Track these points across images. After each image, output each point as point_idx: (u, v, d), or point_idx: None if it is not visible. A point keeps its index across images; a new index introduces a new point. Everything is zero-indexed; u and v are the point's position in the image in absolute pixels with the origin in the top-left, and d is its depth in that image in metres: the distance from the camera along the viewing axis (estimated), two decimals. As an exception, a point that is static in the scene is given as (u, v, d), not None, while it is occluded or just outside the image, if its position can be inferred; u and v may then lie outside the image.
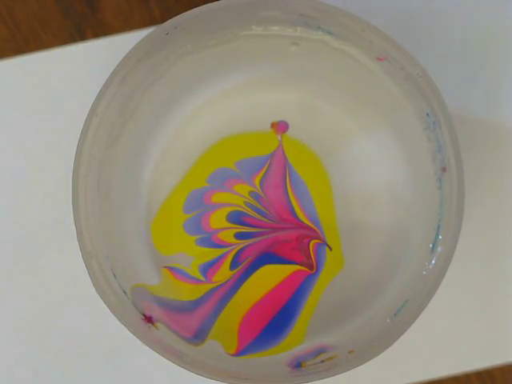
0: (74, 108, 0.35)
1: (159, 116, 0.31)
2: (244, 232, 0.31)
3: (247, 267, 0.31)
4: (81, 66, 0.36)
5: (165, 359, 0.28)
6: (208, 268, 0.31)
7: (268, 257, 0.31)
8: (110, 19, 0.35)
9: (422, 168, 0.30)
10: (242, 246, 0.31)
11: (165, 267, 0.31)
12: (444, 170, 0.29)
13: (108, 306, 0.28)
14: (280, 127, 0.31)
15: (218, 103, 0.31)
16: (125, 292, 0.29)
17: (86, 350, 0.35)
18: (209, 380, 0.28)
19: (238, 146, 0.31)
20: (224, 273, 0.31)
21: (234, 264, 0.31)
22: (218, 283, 0.31)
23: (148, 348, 0.28)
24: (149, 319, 0.29)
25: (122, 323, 0.28)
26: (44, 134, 0.36)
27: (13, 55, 0.35)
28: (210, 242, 0.31)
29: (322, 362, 0.29)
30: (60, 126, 0.35)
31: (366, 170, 0.31)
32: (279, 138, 0.31)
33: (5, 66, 0.35)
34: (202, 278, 0.31)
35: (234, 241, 0.31)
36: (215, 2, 0.28)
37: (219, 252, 0.31)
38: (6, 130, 0.35)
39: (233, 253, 0.31)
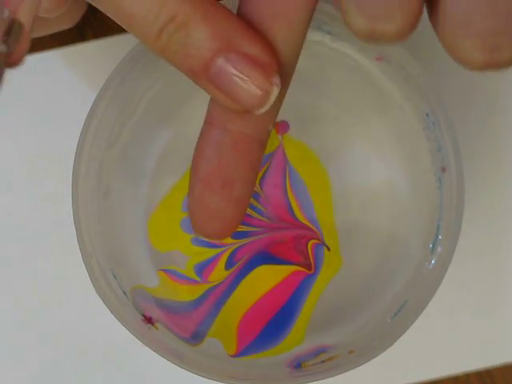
0: (74, 108, 0.35)
1: (159, 116, 0.31)
2: (240, 231, 0.31)
3: (243, 267, 0.31)
4: (81, 66, 0.36)
5: (164, 359, 0.28)
6: (203, 268, 0.31)
7: (265, 257, 0.31)
8: (110, 19, 0.35)
9: (422, 168, 0.30)
10: (237, 245, 0.31)
11: (160, 270, 0.31)
12: (444, 170, 0.29)
13: (108, 307, 0.28)
14: (281, 127, 0.31)
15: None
16: (125, 293, 0.29)
17: (86, 350, 0.35)
18: (209, 380, 0.28)
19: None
20: (219, 272, 0.31)
21: (229, 264, 0.31)
22: (215, 283, 0.31)
23: (148, 348, 0.28)
24: (149, 320, 0.29)
25: (122, 324, 0.28)
26: (44, 134, 0.36)
27: (13, 55, 0.35)
28: (204, 241, 0.31)
29: (322, 362, 0.29)
30: (60, 126, 0.35)
31: (365, 170, 0.31)
32: (280, 137, 0.31)
33: (5, 66, 0.35)
34: (198, 278, 0.31)
35: (230, 240, 0.31)
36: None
37: (214, 252, 0.31)
38: (5, 130, 0.35)
39: (228, 252, 0.31)
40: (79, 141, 0.29)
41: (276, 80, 0.21)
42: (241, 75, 0.20)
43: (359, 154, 0.31)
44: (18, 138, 0.35)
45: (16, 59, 0.19)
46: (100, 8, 0.21)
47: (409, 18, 0.18)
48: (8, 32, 0.18)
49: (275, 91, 0.21)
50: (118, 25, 0.23)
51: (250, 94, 0.21)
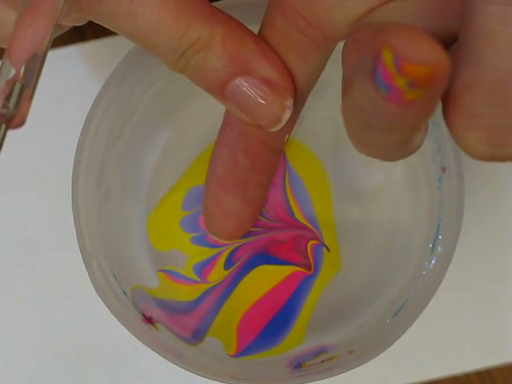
0: (74, 108, 0.35)
1: (159, 116, 0.31)
2: None
3: (242, 267, 0.31)
4: (81, 66, 0.36)
5: (164, 359, 0.28)
6: (202, 268, 0.31)
7: (264, 257, 0.31)
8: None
9: (422, 168, 0.30)
10: (236, 245, 0.31)
11: (160, 271, 0.31)
12: (444, 170, 0.29)
13: (108, 307, 0.28)
14: None
15: (218, 102, 0.31)
16: (125, 293, 0.29)
17: (86, 350, 0.35)
18: (209, 380, 0.28)
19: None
20: (218, 272, 0.31)
21: (228, 264, 0.31)
22: (214, 283, 0.31)
23: (148, 348, 0.28)
24: (149, 320, 0.29)
25: (122, 324, 0.28)
26: (44, 135, 0.36)
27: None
28: (204, 241, 0.31)
29: (322, 362, 0.29)
30: (60, 126, 0.35)
31: (365, 171, 0.31)
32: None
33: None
34: (197, 279, 0.31)
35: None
36: (215, 3, 0.28)
37: (213, 252, 0.31)
38: (6, 130, 0.35)
39: (227, 252, 0.31)
40: (79, 141, 0.29)
41: (289, 103, 0.21)
42: (255, 96, 0.21)
43: (359, 154, 0.31)
44: (18, 137, 0.35)
45: (17, 122, 0.19)
46: (122, 35, 0.22)
47: None
48: (9, 95, 0.18)
49: (287, 113, 0.21)
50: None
51: (263, 114, 0.21)
